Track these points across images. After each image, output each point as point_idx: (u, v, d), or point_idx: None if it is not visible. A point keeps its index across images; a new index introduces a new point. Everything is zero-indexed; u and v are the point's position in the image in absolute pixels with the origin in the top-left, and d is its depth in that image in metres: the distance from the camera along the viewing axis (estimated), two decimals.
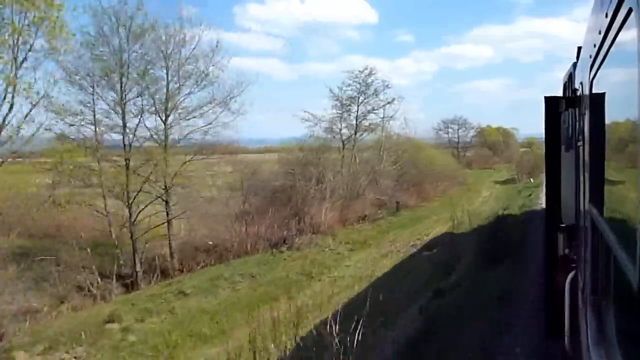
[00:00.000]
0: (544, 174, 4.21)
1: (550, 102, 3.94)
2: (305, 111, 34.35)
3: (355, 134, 35.45)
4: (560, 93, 6.90)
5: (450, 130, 70.83)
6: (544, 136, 4.23)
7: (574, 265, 3.48)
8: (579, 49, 4.20)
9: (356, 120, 35.53)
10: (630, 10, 1.26)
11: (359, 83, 35.44)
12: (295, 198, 28.04)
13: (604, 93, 2.08)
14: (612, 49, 1.68)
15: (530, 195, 30.80)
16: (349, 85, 35.42)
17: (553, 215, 4.09)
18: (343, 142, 34.81)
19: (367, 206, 32.08)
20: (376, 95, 35.81)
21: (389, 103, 36.03)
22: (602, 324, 2.08)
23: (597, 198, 2.11)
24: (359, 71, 35.43)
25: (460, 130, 70.78)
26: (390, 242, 25.85)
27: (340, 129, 35.12)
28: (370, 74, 35.31)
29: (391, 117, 36.49)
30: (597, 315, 2.17)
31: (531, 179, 41.76)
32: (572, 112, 4.74)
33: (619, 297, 1.87)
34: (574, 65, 5.24)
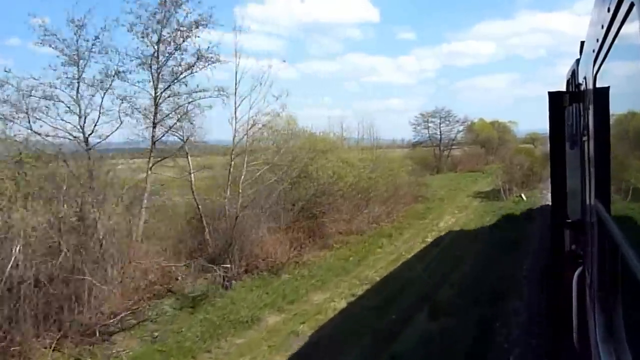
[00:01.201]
0: (549, 177, 4.18)
1: (554, 97, 3.92)
2: None
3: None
4: (563, 88, 6.87)
5: (431, 125, 56.06)
6: (547, 131, 4.21)
7: (580, 261, 3.46)
8: (582, 43, 4.18)
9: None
10: (632, 5, 1.26)
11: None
12: None
13: (608, 87, 2.07)
14: (615, 43, 1.68)
15: (515, 240, 17.26)
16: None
17: (559, 211, 4.07)
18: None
19: None
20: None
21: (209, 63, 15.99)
22: (610, 320, 2.07)
23: (603, 193, 2.10)
24: None
25: (443, 125, 55.94)
26: None
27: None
28: None
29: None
30: (605, 312, 2.16)
31: (522, 195, 28.34)
32: (576, 107, 4.72)
33: (626, 292, 1.86)
34: (577, 60, 5.22)
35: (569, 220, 3.96)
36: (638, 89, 1.15)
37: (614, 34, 1.63)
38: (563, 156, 4.07)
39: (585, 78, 3.07)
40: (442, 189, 34.36)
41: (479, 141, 57.17)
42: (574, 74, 5.70)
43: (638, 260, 1.24)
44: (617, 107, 1.91)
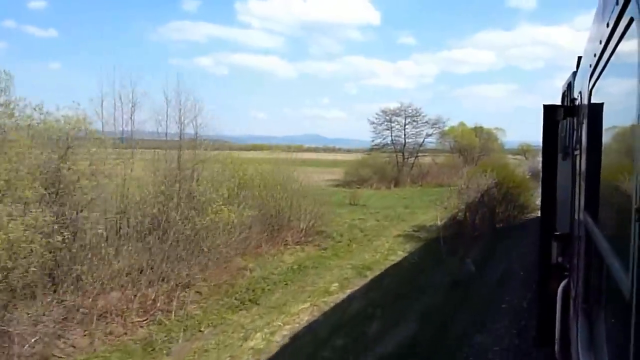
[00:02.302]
0: (540, 191, 4.21)
1: (549, 110, 3.95)
2: None
3: None
4: (559, 102, 6.93)
5: (395, 125, 44.49)
6: (541, 144, 4.25)
7: (566, 273, 3.49)
8: (579, 58, 4.22)
9: None
10: (631, 20, 1.27)
11: None
12: None
13: (602, 103, 2.09)
14: (612, 59, 1.69)
15: None
16: None
17: (548, 223, 4.10)
18: None
19: None
20: None
21: None
22: (593, 332, 2.09)
23: (592, 207, 2.12)
24: None
25: (409, 126, 44.46)
26: None
27: None
28: None
29: None
30: (588, 324, 2.18)
31: (470, 264, 13.59)
32: (570, 121, 4.76)
33: (610, 305, 1.88)
34: (574, 74, 5.27)
35: (557, 233, 3.99)
36: (632, 106, 1.17)
37: (611, 49, 1.65)
38: (555, 168, 4.10)
39: (580, 93, 3.10)
40: (376, 214, 23.28)
41: (456, 149, 47.37)
42: (569, 87, 5.75)
43: (624, 274, 1.25)
44: (610, 123, 1.93)
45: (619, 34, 1.46)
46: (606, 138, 2.00)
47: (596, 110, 2.21)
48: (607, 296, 1.93)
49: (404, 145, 44.70)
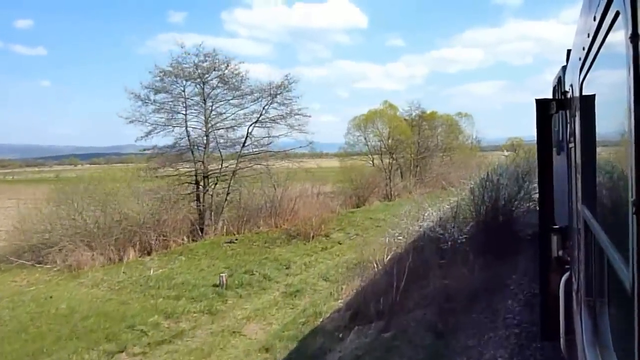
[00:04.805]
0: (537, 183, 4.22)
1: (541, 104, 3.97)
2: None
3: None
4: (550, 95, 6.96)
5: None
6: (534, 139, 4.26)
7: (568, 266, 3.49)
8: (569, 51, 4.24)
9: None
10: (617, 14, 1.28)
11: None
12: None
13: (593, 95, 2.09)
14: (601, 52, 1.70)
15: None
16: None
17: (546, 217, 4.10)
18: None
19: None
20: None
21: None
22: (597, 325, 2.09)
23: (589, 199, 2.12)
24: None
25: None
26: None
27: None
28: None
29: None
30: (591, 317, 2.18)
31: None
32: (562, 115, 4.78)
33: (613, 298, 1.87)
34: (564, 68, 5.30)
35: (556, 226, 4.00)
36: (623, 97, 1.17)
37: (599, 42, 1.66)
38: (550, 162, 4.11)
39: (571, 86, 3.11)
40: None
41: (386, 148, 33.09)
42: (560, 81, 5.77)
43: (624, 266, 1.25)
44: (602, 115, 1.93)
45: (607, 27, 1.47)
46: (599, 130, 2.00)
47: (588, 103, 2.22)
48: (609, 289, 1.93)
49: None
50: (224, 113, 24.20)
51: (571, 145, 3.12)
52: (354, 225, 21.35)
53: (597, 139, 2.05)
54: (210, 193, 22.75)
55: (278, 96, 24.42)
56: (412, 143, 33.17)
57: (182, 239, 20.18)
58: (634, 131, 1.11)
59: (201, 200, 22.43)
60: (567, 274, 3.32)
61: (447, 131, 36.21)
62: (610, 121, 1.68)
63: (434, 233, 11.59)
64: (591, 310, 2.20)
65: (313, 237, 19.22)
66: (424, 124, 34.72)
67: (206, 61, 22.99)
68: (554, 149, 4.96)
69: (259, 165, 23.71)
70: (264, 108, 24.44)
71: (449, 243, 10.85)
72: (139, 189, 21.18)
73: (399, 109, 34.48)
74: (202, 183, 22.79)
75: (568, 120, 3.69)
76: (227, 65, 23.58)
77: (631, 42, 1.11)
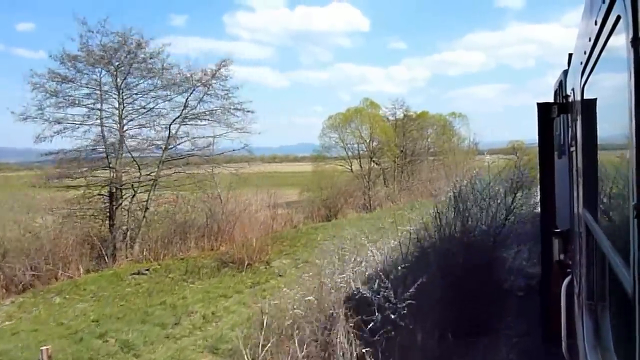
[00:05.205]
0: (539, 186, 4.23)
1: (542, 108, 3.98)
2: None
3: None
4: (552, 99, 6.97)
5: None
6: (536, 141, 4.26)
7: (569, 270, 3.49)
8: (570, 55, 4.25)
9: None
10: (619, 18, 1.28)
11: None
12: None
13: (595, 99, 2.10)
14: (602, 56, 1.70)
15: None
16: None
17: (548, 220, 4.10)
18: None
19: None
20: None
21: None
22: (599, 328, 2.09)
23: (591, 203, 2.12)
24: None
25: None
26: None
27: None
28: None
29: None
30: (593, 320, 2.18)
31: None
32: (564, 118, 4.79)
33: (614, 301, 1.87)
34: (565, 71, 5.31)
35: (558, 230, 4.00)
36: (624, 101, 1.17)
37: (601, 46, 1.66)
38: (552, 166, 4.12)
39: (573, 89, 3.12)
40: None
41: (369, 151, 28.98)
42: (561, 85, 5.78)
43: (625, 269, 1.25)
44: (604, 119, 1.94)
45: (608, 31, 1.48)
46: (601, 134, 2.01)
47: (589, 107, 2.22)
48: (610, 292, 1.93)
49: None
50: (143, 108, 19.59)
51: (572, 148, 3.13)
52: (309, 246, 15.91)
53: (598, 143, 2.05)
54: (127, 208, 18.33)
55: (212, 86, 19.83)
56: (395, 146, 29.19)
57: (78, 269, 15.38)
58: (635, 135, 1.12)
59: (114, 217, 17.79)
60: (569, 277, 3.32)
61: (440, 132, 32.38)
62: (612, 125, 1.68)
63: (362, 292, 6.43)
64: (593, 313, 2.20)
65: (249, 265, 14.91)
66: (411, 124, 30.61)
67: (116, 41, 18.34)
68: (556, 153, 4.96)
69: (181, 174, 19.46)
70: (186, 100, 19.55)
71: (380, 314, 6.09)
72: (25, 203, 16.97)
73: (381, 108, 30.48)
74: (121, 194, 18.35)
75: (569, 124, 3.70)
76: (140, 44, 18.56)
77: (632, 46, 1.12)
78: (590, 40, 1.89)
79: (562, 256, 3.92)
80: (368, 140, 29.59)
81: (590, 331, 2.15)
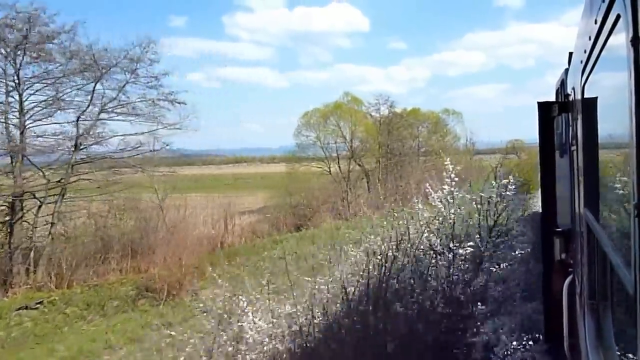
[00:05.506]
0: (540, 186, 4.23)
1: (543, 107, 3.98)
2: None
3: None
4: (552, 98, 6.96)
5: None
6: (536, 141, 4.26)
7: (571, 269, 3.49)
8: (570, 54, 4.25)
9: None
10: (618, 16, 1.28)
11: None
12: None
13: (595, 98, 2.10)
14: (602, 55, 1.70)
15: None
16: None
17: (549, 220, 4.10)
18: None
19: None
20: None
21: None
22: (601, 328, 2.09)
23: (592, 202, 2.12)
24: None
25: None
26: None
27: None
28: None
29: None
30: (595, 320, 2.17)
31: None
32: (565, 117, 4.79)
33: (616, 301, 1.87)
34: (566, 70, 5.30)
35: (559, 229, 3.99)
36: (625, 100, 1.17)
37: (601, 45, 1.66)
38: (553, 165, 4.11)
39: (573, 88, 3.12)
40: None
41: (351, 153, 24.88)
42: (562, 84, 5.77)
43: (627, 269, 1.25)
44: (604, 118, 1.94)
45: (608, 30, 1.48)
46: (601, 133, 2.01)
47: (590, 106, 2.22)
48: (612, 291, 1.93)
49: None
50: (51, 98, 15.39)
51: (573, 148, 3.13)
52: (259, 267, 12.84)
53: (599, 142, 2.05)
54: (30, 222, 14.35)
55: (135, 73, 15.61)
56: (379, 145, 25.50)
57: None
58: (635, 134, 1.12)
59: (12, 234, 13.89)
60: (570, 276, 3.32)
61: (432, 131, 29.14)
62: (612, 124, 1.68)
63: None
64: (594, 312, 2.19)
65: (172, 295, 11.68)
66: (397, 121, 27.07)
67: (11, 16, 14.33)
68: (556, 152, 4.95)
69: (87, 180, 15.57)
70: (93, 89, 15.59)
71: None
72: None
73: (364, 103, 27.16)
74: (21, 206, 14.35)
75: (570, 123, 3.70)
76: (30, 20, 14.18)
77: (632, 45, 1.12)
78: (590, 39, 1.89)
79: (563, 255, 3.92)
80: (349, 139, 26.17)
81: (592, 330, 2.15)
